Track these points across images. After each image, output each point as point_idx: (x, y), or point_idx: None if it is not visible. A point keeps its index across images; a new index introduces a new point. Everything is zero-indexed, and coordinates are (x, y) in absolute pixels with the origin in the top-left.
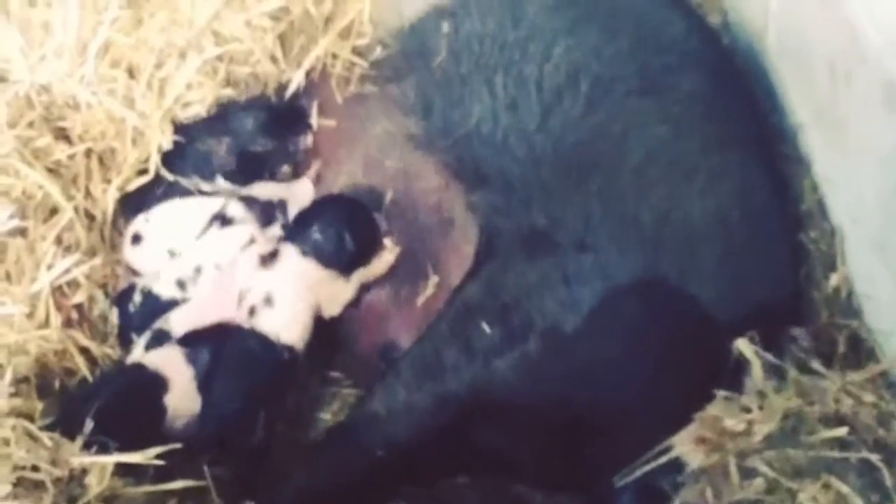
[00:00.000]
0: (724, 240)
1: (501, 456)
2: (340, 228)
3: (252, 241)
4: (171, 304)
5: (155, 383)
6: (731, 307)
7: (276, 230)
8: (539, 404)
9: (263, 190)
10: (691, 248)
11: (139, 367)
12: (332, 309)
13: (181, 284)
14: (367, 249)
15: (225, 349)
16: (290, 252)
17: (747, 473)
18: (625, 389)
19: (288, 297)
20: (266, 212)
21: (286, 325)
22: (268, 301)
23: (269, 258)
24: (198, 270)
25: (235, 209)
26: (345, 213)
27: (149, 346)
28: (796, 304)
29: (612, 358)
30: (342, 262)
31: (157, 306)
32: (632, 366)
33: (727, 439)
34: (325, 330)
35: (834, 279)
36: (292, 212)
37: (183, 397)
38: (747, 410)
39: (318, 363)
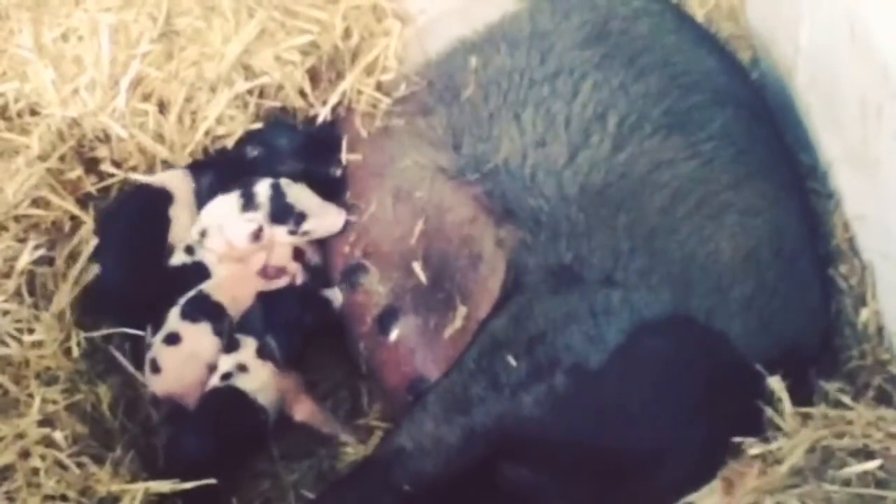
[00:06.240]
0: (754, 277)
1: (529, 492)
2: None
3: (259, 232)
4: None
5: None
6: (760, 344)
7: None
8: (566, 439)
9: (298, 193)
10: (721, 286)
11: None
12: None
13: (189, 250)
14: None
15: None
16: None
17: None
18: (651, 426)
19: (258, 367)
20: (283, 211)
21: (260, 389)
22: (242, 368)
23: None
24: (203, 234)
25: (262, 188)
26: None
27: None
28: (827, 341)
29: (638, 394)
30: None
31: None
32: (659, 403)
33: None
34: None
35: (864, 314)
36: (306, 227)
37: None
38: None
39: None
